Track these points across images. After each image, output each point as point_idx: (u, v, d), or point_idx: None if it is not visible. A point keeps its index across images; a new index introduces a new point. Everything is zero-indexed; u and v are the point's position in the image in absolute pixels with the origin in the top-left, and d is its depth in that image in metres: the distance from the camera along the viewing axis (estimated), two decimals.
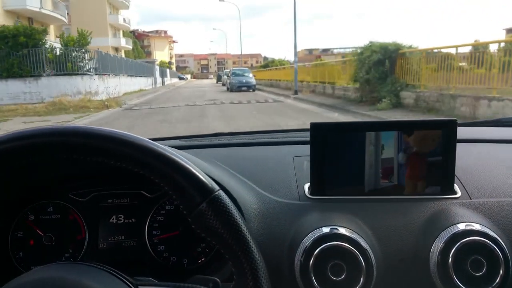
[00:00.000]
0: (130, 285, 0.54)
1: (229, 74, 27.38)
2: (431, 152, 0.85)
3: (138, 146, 0.52)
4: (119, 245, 0.88)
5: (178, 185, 0.53)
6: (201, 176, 0.53)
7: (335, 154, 0.85)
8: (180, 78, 75.87)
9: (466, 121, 1.43)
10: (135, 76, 28.82)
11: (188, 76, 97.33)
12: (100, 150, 0.52)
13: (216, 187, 0.54)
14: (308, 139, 0.85)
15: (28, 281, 0.50)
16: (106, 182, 0.89)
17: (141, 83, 30.57)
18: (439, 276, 0.74)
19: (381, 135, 0.85)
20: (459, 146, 0.84)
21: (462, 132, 0.86)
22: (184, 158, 0.54)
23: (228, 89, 26.38)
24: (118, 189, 0.89)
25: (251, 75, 26.69)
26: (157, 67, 41.12)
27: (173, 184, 0.53)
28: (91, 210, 0.88)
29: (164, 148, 0.54)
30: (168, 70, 53.20)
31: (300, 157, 1.00)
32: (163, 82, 42.88)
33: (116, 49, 45.62)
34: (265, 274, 0.53)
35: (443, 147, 0.84)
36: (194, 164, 0.55)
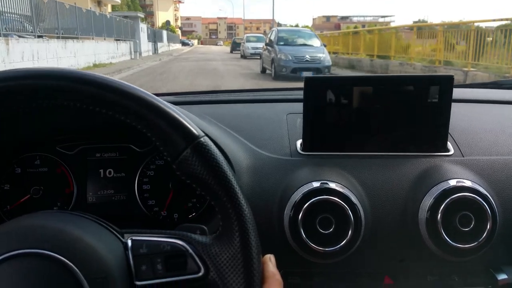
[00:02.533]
0: (115, 233, 0.54)
1: (271, 41, 12.92)
2: (426, 108, 0.84)
3: (119, 90, 0.50)
4: (108, 199, 0.88)
5: (161, 131, 0.51)
6: (185, 122, 0.52)
7: (329, 109, 0.84)
8: (184, 44, 58.67)
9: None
10: (92, 38, 15.88)
11: (195, 41, 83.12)
12: (76, 93, 0.50)
13: (202, 133, 0.52)
14: (301, 96, 0.84)
15: (7, 230, 0.49)
16: (94, 136, 0.88)
17: (110, 50, 17.64)
18: (427, 231, 0.74)
19: (376, 91, 0.83)
20: (454, 106, 0.83)
21: (458, 92, 0.85)
22: (168, 104, 0.52)
23: (263, 70, 13.74)
24: (106, 143, 0.88)
25: (319, 43, 12.75)
26: (143, 27, 24.67)
27: (155, 130, 0.51)
28: (79, 163, 0.87)
29: (146, 92, 0.52)
30: (164, 33, 35.68)
31: (293, 114, 0.99)
32: (155, 49, 27.86)
33: (99, 2, 30.30)
34: (251, 217, 0.52)
35: (438, 103, 0.83)
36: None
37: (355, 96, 0.83)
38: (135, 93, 0.51)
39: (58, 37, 12.52)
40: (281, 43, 12.30)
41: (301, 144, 0.87)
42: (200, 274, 0.51)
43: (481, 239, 0.72)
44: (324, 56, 11.82)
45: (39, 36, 11.11)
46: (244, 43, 24.81)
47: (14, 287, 0.44)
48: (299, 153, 0.86)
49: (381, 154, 0.85)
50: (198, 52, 36.66)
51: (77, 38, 14.13)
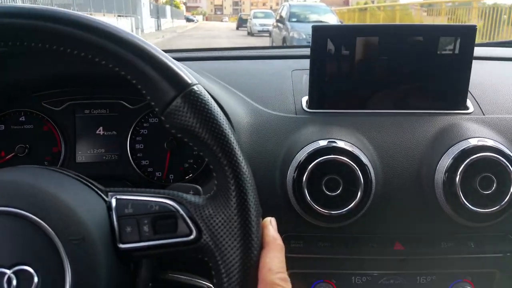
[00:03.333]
0: (98, 191, 0.48)
1: (282, 18, 11.62)
2: (445, 62, 0.76)
3: (101, 30, 0.44)
4: (99, 158, 0.82)
5: (148, 77, 0.44)
6: (175, 67, 0.45)
7: (338, 62, 0.77)
8: (188, 20, 53.62)
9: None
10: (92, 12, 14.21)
11: (200, 17, 77.29)
12: (52, 34, 0.43)
13: (194, 80, 0.46)
14: (308, 53, 0.77)
15: None
16: (83, 90, 0.82)
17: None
18: (444, 195, 0.68)
19: (391, 42, 0.76)
20: (473, 63, 0.76)
21: (477, 50, 0.79)
22: (156, 47, 0.46)
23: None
24: (95, 98, 0.82)
25: (335, 19, 12.04)
26: (145, 2, 22.70)
27: (141, 76, 0.44)
28: (67, 120, 0.81)
29: (131, 34, 0.45)
30: (167, 8, 34.12)
31: (299, 70, 0.92)
32: (158, 26, 26.08)
33: None
34: (250, 176, 0.46)
35: (458, 56, 0.76)
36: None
37: (368, 47, 0.76)
38: (119, 34, 0.44)
39: None
40: (294, 19, 10.99)
41: (306, 101, 0.80)
42: (192, 237, 0.46)
43: (503, 203, 0.66)
44: None
45: None
46: (251, 19, 22.89)
47: None
48: (305, 110, 0.79)
49: (395, 111, 0.78)
50: (203, 28, 33.64)
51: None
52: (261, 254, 0.46)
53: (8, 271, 0.39)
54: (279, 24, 11.74)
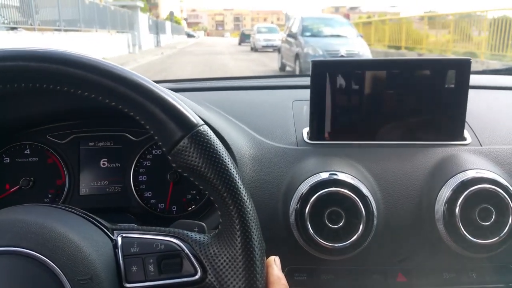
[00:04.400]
0: (104, 229, 0.49)
1: (292, 32, 10.28)
2: (441, 94, 0.78)
3: (109, 72, 0.45)
4: (102, 190, 0.83)
5: (156, 118, 0.46)
6: (182, 109, 0.46)
7: (337, 95, 0.79)
8: (189, 36, 52.96)
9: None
10: (88, 30, 13.91)
11: (201, 33, 76.73)
12: (59, 76, 0.45)
13: (200, 121, 0.47)
14: (308, 83, 0.78)
15: None
16: (87, 124, 0.83)
17: (108, 43, 15.33)
18: (444, 226, 0.69)
19: (388, 75, 0.78)
20: (469, 92, 0.78)
21: (473, 79, 0.80)
22: (163, 88, 0.47)
23: (283, 66, 11.13)
24: (100, 131, 0.83)
25: (354, 33, 10.17)
26: (143, 17, 21.81)
27: (149, 117, 0.46)
28: (71, 153, 0.82)
29: (138, 75, 0.47)
30: (167, 24, 32.80)
31: (299, 101, 0.93)
32: (157, 42, 25.13)
33: None
34: (254, 215, 0.47)
35: (454, 88, 0.77)
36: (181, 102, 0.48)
37: (366, 81, 0.78)
38: (127, 77, 0.46)
39: (33, 29, 10.11)
40: (307, 33, 9.69)
41: (307, 133, 0.82)
42: (197, 277, 0.46)
43: (502, 234, 0.67)
44: (363, 51, 8.98)
45: (12, 28, 9.40)
46: (254, 34, 22.38)
47: None
48: (306, 142, 0.80)
49: (394, 143, 0.79)
50: (204, 44, 33.34)
51: (59, 30, 11.66)
52: None
53: None
54: (289, 39, 10.31)
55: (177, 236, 0.48)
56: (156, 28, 25.91)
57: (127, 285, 0.46)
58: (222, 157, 0.47)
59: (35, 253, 0.42)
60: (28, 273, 0.41)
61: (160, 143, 0.47)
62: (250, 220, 0.47)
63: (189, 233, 0.49)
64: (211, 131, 0.47)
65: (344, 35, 9.77)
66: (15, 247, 0.42)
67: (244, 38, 30.50)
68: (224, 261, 0.46)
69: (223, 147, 0.47)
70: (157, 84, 0.47)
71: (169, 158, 0.46)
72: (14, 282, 0.41)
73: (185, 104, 0.48)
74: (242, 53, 20.30)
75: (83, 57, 0.46)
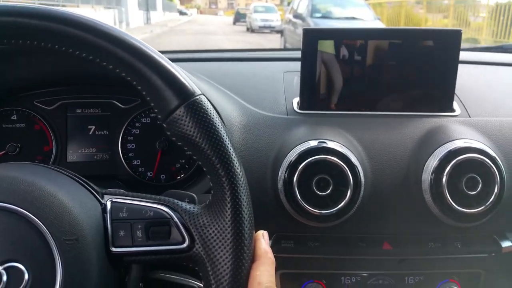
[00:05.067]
0: (94, 193, 0.48)
1: (298, 13, 9.04)
2: (430, 65, 0.78)
3: (109, 35, 0.44)
4: (90, 157, 0.82)
5: (153, 85, 0.45)
6: (180, 77, 0.46)
7: (328, 65, 0.78)
8: (181, 13, 49.38)
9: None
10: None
11: (194, 11, 72.10)
12: (56, 35, 0.44)
13: (198, 90, 0.46)
14: (299, 55, 0.78)
15: None
16: (75, 91, 0.82)
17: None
18: (431, 195, 0.69)
19: (377, 45, 0.77)
20: (459, 67, 0.77)
21: (464, 55, 0.80)
22: (162, 55, 0.46)
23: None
24: (87, 98, 0.82)
25: (371, 14, 8.93)
26: None
27: (146, 83, 0.45)
28: (59, 119, 0.81)
29: (139, 40, 0.46)
30: (159, 0, 29.27)
31: (290, 72, 0.93)
32: (146, 20, 23.01)
33: None
34: (246, 189, 0.47)
35: (445, 60, 0.77)
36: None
37: (356, 50, 0.77)
38: (126, 40, 0.45)
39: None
40: (317, 15, 8.56)
41: (298, 103, 0.81)
42: (184, 245, 0.47)
43: (488, 203, 0.68)
44: None
45: None
46: (251, 14, 20.25)
47: None
48: (296, 111, 0.80)
49: (383, 113, 0.79)
50: (197, 22, 30.19)
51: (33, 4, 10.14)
52: (251, 267, 0.47)
53: None
54: (295, 20, 9.04)
55: (167, 204, 0.48)
56: (146, 4, 23.51)
57: (114, 249, 0.46)
58: (218, 128, 0.46)
59: (22, 210, 0.41)
60: (14, 229, 0.41)
61: (155, 110, 0.46)
62: (242, 193, 0.47)
63: (180, 202, 0.49)
64: (208, 102, 0.47)
65: (359, 17, 8.54)
66: (2, 202, 0.41)
67: (239, 17, 28.25)
68: (213, 232, 0.46)
69: (219, 118, 0.47)
70: (157, 51, 0.46)
71: (164, 126, 0.46)
72: (1, 237, 0.40)
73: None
74: (237, 34, 18.87)
75: (83, 17, 0.45)
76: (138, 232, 0.47)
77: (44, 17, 0.43)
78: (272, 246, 0.73)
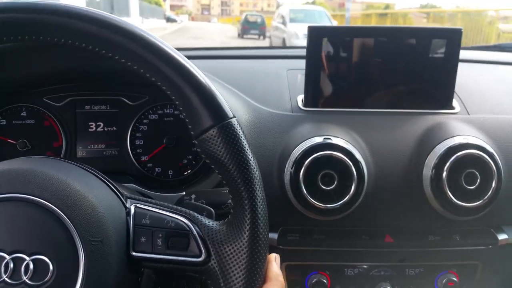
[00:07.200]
0: (120, 195, 0.51)
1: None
2: (432, 63, 0.80)
3: (157, 50, 0.46)
4: (99, 153, 0.84)
5: (191, 102, 0.47)
6: (218, 98, 0.48)
7: (332, 62, 0.81)
8: (169, 20, 41.37)
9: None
10: None
11: (185, 17, 65.09)
12: (109, 43, 0.45)
13: (231, 114, 0.49)
14: (302, 54, 0.80)
15: (10, 168, 0.46)
16: (84, 87, 0.83)
17: None
18: (432, 190, 0.72)
19: (381, 43, 0.80)
20: (459, 66, 0.80)
21: (463, 53, 0.83)
22: (202, 74, 0.48)
23: None
24: (96, 95, 0.84)
25: None
26: None
27: (185, 100, 0.47)
28: (68, 116, 0.82)
29: (182, 56, 0.48)
30: (133, 2, 22.52)
31: (293, 70, 0.95)
32: None
33: None
34: (265, 214, 0.49)
35: (445, 58, 0.80)
36: None
37: (361, 48, 0.80)
38: (171, 56, 0.46)
39: None
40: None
41: (302, 100, 0.84)
42: (201, 259, 0.49)
43: (486, 197, 0.71)
44: None
45: None
46: (280, 24, 12.03)
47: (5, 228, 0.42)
48: (300, 108, 0.82)
49: (385, 110, 0.82)
50: (188, 32, 22.33)
51: None
52: None
53: (27, 258, 0.41)
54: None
55: (188, 217, 0.50)
56: (111, 8, 16.85)
57: (134, 253, 0.48)
58: (246, 153, 0.48)
59: (54, 207, 0.43)
60: (44, 224, 0.43)
61: (189, 126, 0.48)
62: (261, 216, 0.48)
63: (200, 216, 0.51)
64: (240, 126, 0.49)
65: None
66: (35, 196, 0.43)
67: (248, 27, 19.52)
68: (229, 249, 0.48)
69: (247, 142, 0.49)
70: (197, 68, 0.48)
71: (195, 142, 0.48)
72: (29, 229, 0.42)
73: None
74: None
75: (127, 24, 0.46)
76: (158, 240, 0.49)
77: (97, 23, 0.45)
78: (278, 239, 0.76)
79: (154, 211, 0.50)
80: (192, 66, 0.48)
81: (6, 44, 0.47)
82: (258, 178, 0.49)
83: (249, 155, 0.48)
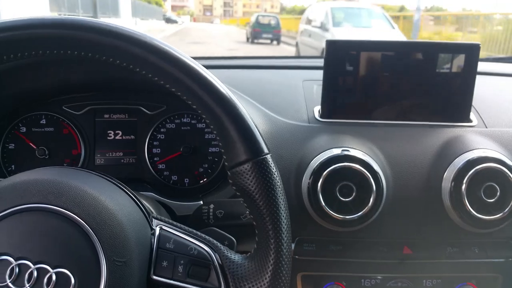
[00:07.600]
0: (146, 215, 0.51)
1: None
2: (450, 77, 0.81)
3: (201, 80, 0.47)
4: (117, 161, 0.84)
5: (229, 135, 0.47)
6: (255, 134, 0.48)
7: (350, 75, 0.81)
8: (169, 21, 38.21)
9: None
10: None
11: (186, 18, 62.48)
12: (154, 67, 0.46)
13: (267, 150, 0.49)
14: (318, 64, 0.81)
15: (36, 179, 0.46)
16: (103, 96, 0.84)
17: None
18: (451, 202, 0.72)
19: (400, 57, 0.80)
20: (477, 78, 0.80)
21: (481, 66, 0.84)
22: (243, 108, 0.49)
23: None
24: (115, 104, 0.85)
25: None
26: None
27: (224, 132, 0.48)
28: (87, 124, 0.83)
29: (223, 87, 0.48)
30: (123, 1, 18.05)
31: (309, 81, 0.95)
32: None
33: None
34: (289, 255, 0.49)
35: (462, 72, 0.80)
36: None
37: (379, 62, 0.80)
38: (214, 87, 0.47)
39: None
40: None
41: (319, 111, 0.84)
42: None
43: (506, 210, 0.70)
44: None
45: None
46: (318, 28, 8.69)
47: (29, 237, 0.43)
48: (317, 119, 0.83)
49: (402, 123, 0.82)
50: (189, 36, 19.93)
51: None
52: None
53: (51, 270, 0.42)
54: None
55: (212, 246, 0.50)
56: (94, 8, 13.90)
57: (154, 277, 0.48)
58: (277, 191, 0.49)
59: (83, 223, 0.44)
60: (72, 239, 0.43)
61: (224, 157, 0.49)
62: (285, 257, 0.49)
63: (223, 247, 0.51)
64: (274, 162, 0.49)
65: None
66: (68, 210, 0.44)
67: (260, 30, 16.78)
68: (249, 286, 0.48)
69: (279, 180, 0.49)
70: (236, 99, 0.49)
71: (228, 173, 0.48)
72: (57, 243, 0.43)
73: None
74: None
75: (175, 51, 0.47)
76: (179, 267, 0.49)
77: (133, 42, 0.46)
78: (294, 249, 0.76)
79: (179, 236, 0.50)
80: (232, 96, 0.48)
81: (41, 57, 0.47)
82: (286, 218, 0.49)
83: (280, 194, 0.49)
